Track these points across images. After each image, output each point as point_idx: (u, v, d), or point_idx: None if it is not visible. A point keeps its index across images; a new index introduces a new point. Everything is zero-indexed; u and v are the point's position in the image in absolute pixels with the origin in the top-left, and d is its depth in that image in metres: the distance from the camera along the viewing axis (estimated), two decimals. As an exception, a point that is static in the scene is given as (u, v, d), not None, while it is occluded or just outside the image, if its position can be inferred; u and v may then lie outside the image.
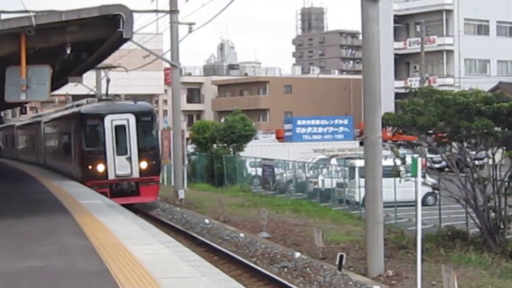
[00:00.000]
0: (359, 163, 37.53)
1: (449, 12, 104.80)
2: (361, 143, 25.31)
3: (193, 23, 43.98)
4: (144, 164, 38.51)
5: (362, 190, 25.02)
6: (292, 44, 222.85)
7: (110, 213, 24.65)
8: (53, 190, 34.23)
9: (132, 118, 38.51)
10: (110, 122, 38.13)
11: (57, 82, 34.24)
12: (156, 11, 43.39)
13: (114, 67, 46.15)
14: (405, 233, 29.24)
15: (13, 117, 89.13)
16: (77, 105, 44.86)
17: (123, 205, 29.42)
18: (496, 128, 27.08)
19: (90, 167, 38.38)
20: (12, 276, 14.42)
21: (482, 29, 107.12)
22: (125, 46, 30.06)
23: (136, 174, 38.49)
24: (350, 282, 21.70)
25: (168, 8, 41.94)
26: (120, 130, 38.27)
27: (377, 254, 23.69)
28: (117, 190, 38.37)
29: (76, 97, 62.81)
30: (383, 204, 24.75)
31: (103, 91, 49.73)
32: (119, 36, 22.78)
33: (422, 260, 21.68)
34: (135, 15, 22.87)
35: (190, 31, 43.59)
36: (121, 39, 23.46)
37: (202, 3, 43.03)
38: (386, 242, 25.24)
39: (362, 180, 24.94)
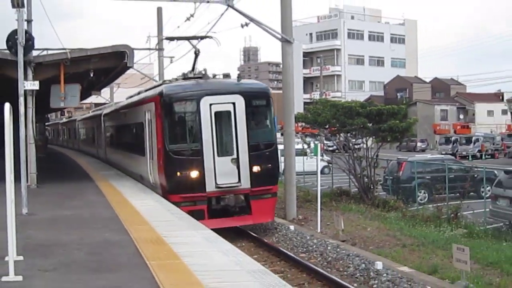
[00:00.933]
0: (280, 147, 37.61)
1: (338, 50, 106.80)
2: (282, 134, 25.21)
3: (173, 57, 43.66)
4: (257, 168, 18.92)
5: (282, 164, 25.08)
6: (237, 71, 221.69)
7: (119, 180, 24.37)
8: (82, 165, 33.89)
9: (240, 102, 18.92)
10: (208, 108, 18.67)
11: (84, 95, 33.82)
12: (149, 49, 42.86)
13: (206, 37, 22.93)
14: (310, 192, 29.38)
15: (56, 117, 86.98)
16: (147, 89, 24.20)
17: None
18: (368, 124, 27.40)
19: (178, 173, 18.58)
20: (55, 220, 14.33)
21: (359, 61, 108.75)
22: (129, 71, 29.84)
23: (246, 184, 18.80)
24: (275, 223, 21.74)
25: (157, 47, 41.54)
26: (223, 119, 18.95)
27: (292, 205, 23.76)
28: (219, 207, 18.89)
29: (97, 105, 61.87)
30: (296, 173, 24.83)
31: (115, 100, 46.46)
32: (124, 65, 22.57)
33: (321, 209, 21.80)
34: (135, 51, 22.68)
35: (171, 62, 43.23)
36: (126, 67, 23.23)
37: (178, 44, 42.63)
38: (298, 198, 25.27)
39: (282, 158, 25.02)
